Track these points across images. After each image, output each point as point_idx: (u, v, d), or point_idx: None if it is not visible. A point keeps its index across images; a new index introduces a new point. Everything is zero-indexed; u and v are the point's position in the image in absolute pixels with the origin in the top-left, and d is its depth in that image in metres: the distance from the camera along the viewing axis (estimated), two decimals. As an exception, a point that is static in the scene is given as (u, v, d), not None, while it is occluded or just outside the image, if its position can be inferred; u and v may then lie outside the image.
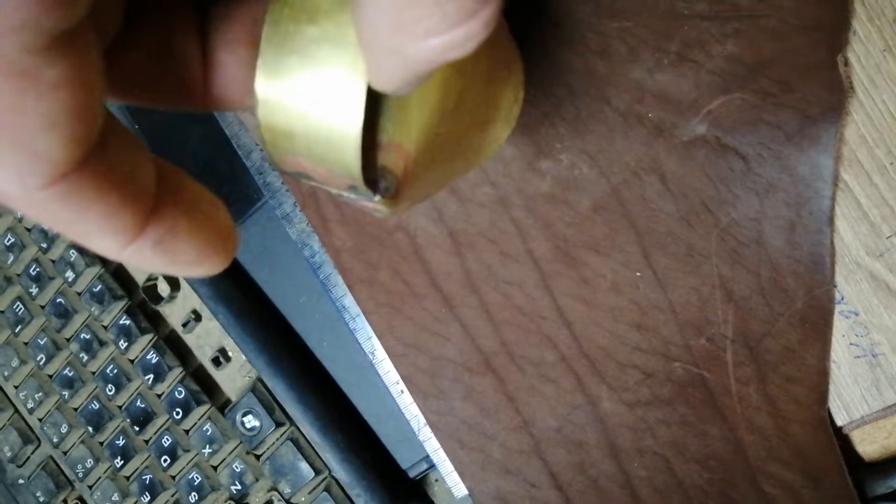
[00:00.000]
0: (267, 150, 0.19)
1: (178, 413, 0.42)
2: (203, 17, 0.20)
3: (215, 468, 0.42)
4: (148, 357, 0.43)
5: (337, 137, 0.18)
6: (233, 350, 0.42)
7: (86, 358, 0.45)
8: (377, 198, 0.20)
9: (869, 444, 0.33)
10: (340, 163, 0.19)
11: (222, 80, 0.20)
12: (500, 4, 0.15)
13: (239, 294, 0.41)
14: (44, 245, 0.46)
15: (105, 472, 0.45)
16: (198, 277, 0.19)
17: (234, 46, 0.20)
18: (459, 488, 0.37)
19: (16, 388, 0.47)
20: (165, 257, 0.18)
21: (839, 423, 0.32)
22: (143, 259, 0.17)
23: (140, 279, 0.45)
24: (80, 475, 0.45)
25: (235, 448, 0.42)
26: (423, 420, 0.37)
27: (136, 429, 0.44)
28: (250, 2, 0.20)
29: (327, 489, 0.40)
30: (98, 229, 0.16)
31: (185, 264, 0.18)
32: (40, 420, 0.47)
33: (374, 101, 0.19)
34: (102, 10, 0.17)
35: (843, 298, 0.31)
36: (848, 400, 0.32)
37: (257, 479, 0.41)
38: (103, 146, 0.16)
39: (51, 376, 0.46)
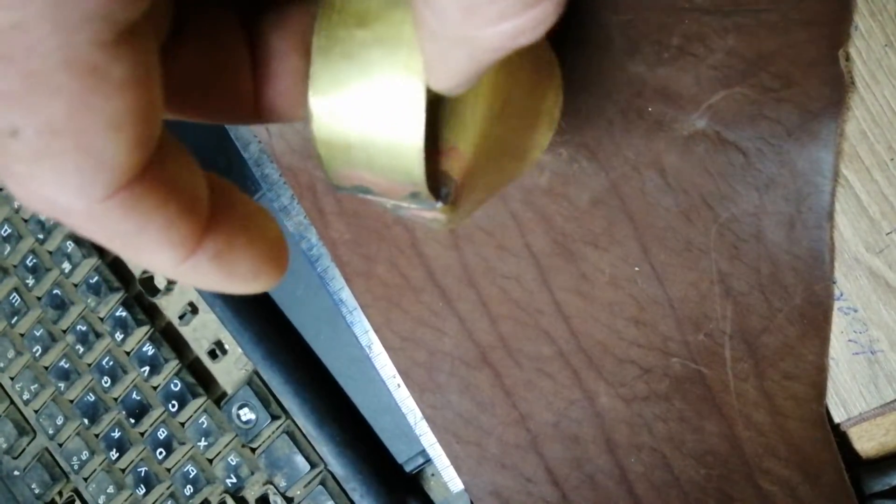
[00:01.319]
0: (323, 165, 0.19)
1: (173, 406, 0.42)
2: (252, 27, 0.20)
3: (211, 461, 0.42)
4: (144, 349, 0.43)
5: (398, 144, 0.18)
6: (229, 343, 0.42)
7: (82, 350, 0.45)
8: (439, 204, 0.20)
9: (867, 442, 0.33)
10: (403, 170, 0.18)
11: (274, 91, 0.20)
12: None
13: (236, 287, 0.41)
14: (40, 236, 0.46)
15: (100, 464, 0.45)
16: (251, 293, 0.18)
17: (286, 56, 0.19)
18: (455, 483, 0.37)
19: (11, 379, 0.47)
20: (223, 271, 0.17)
21: (837, 419, 0.32)
22: (200, 274, 0.17)
23: (137, 271, 0.45)
24: (76, 467, 0.45)
25: (231, 441, 0.42)
26: (419, 414, 0.37)
27: (132, 421, 0.44)
28: (301, 9, 0.20)
29: (323, 483, 0.39)
30: (157, 243, 0.15)
31: (243, 278, 0.17)
32: (36, 412, 0.47)
33: (429, 105, 0.19)
34: (154, 12, 0.17)
35: (842, 295, 0.31)
36: (846, 397, 0.32)
37: (253, 473, 0.41)
38: (160, 153, 0.15)
39: (47, 368, 0.46)
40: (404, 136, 0.17)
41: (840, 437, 0.33)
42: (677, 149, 0.31)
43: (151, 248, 0.16)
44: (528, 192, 0.33)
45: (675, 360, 0.33)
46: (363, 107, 0.17)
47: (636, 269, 0.33)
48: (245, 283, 0.18)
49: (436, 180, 0.20)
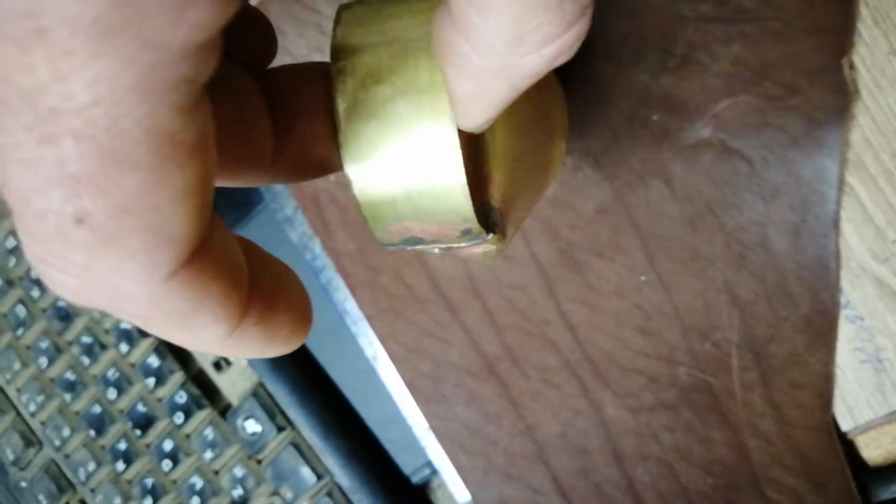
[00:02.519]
0: (370, 225, 0.19)
1: (179, 417, 0.42)
2: (268, 88, 0.19)
3: (217, 473, 0.42)
4: (149, 361, 0.43)
5: (442, 186, 0.18)
6: (234, 354, 0.42)
7: (87, 361, 0.45)
8: (490, 236, 0.20)
9: (874, 450, 0.33)
10: (451, 210, 0.18)
11: (291, 152, 0.19)
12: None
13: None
14: (45, 248, 0.46)
15: (107, 475, 0.45)
16: (281, 354, 0.18)
17: (303, 116, 0.19)
18: (462, 494, 0.37)
19: (18, 391, 0.47)
20: (265, 336, 0.16)
21: (844, 428, 0.32)
22: (247, 343, 0.16)
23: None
24: (82, 479, 0.45)
25: (237, 453, 0.42)
26: (425, 425, 0.37)
27: (138, 433, 0.43)
28: (314, 68, 0.20)
29: (329, 494, 0.39)
30: (212, 317, 0.14)
31: (282, 341, 0.17)
32: (42, 423, 0.47)
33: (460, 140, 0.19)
34: None
35: (848, 303, 0.31)
36: (853, 405, 0.32)
37: (259, 484, 0.41)
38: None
39: (53, 380, 0.46)
40: (446, 178, 0.18)
41: (847, 445, 0.32)
42: (682, 158, 0.31)
43: (205, 324, 0.15)
44: (533, 201, 0.33)
45: (682, 369, 0.33)
46: (400, 161, 0.17)
47: (642, 278, 0.33)
48: (283, 345, 0.17)
49: (481, 213, 0.20)
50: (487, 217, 0.20)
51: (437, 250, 0.21)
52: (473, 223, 0.19)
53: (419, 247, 0.20)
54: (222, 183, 0.19)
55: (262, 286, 0.16)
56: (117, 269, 0.12)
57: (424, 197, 0.18)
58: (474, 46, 0.14)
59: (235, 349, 0.16)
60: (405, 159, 0.17)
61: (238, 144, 0.19)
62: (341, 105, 0.17)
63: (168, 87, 0.11)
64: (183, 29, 0.11)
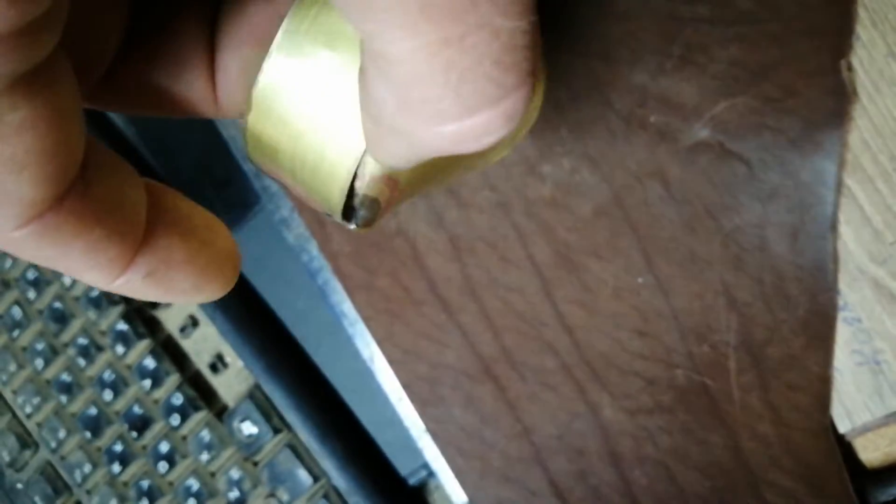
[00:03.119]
0: (248, 150, 0.18)
1: (175, 419, 0.42)
2: (212, 19, 0.19)
3: (213, 475, 0.42)
4: (145, 363, 0.43)
5: (326, 171, 0.17)
6: (230, 356, 0.42)
7: (83, 363, 0.44)
8: (352, 226, 0.19)
9: (871, 452, 0.33)
10: (323, 193, 0.18)
11: (229, 84, 0.19)
12: (529, 94, 0.13)
13: (236, 299, 0.41)
14: (41, 249, 0.46)
15: (103, 477, 0.45)
16: (196, 304, 0.18)
17: (241, 46, 0.19)
18: (459, 496, 0.37)
19: (14, 392, 0.47)
20: (159, 288, 0.17)
21: (841, 430, 0.32)
22: (134, 291, 0.17)
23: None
24: (78, 480, 0.45)
25: (233, 455, 0.42)
26: (422, 427, 0.37)
27: (134, 434, 0.43)
28: (264, 5, 0.19)
29: (326, 496, 0.39)
30: (81, 265, 0.16)
31: (181, 293, 0.17)
32: (38, 425, 0.46)
33: None
34: (98, 28, 0.16)
35: (846, 305, 0.31)
36: (850, 407, 0.32)
37: (255, 486, 0.41)
38: (85, 179, 0.15)
39: (48, 381, 0.46)
40: (333, 169, 0.17)
41: (845, 447, 0.32)
42: (680, 159, 0.31)
43: (78, 269, 0.16)
44: (531, 203, 0.33)
45: (679, 371, 0.33)
46: (302, 126, 0.17)
47: (639, 280, 0.33)
48: (185, 297, 0.18)
49: (360, 202, 0.19)
50: (359, 209, 0.19)
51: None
52: (336, 214, 0.18)
53: (284, 188, 0.19)
54: (164, 115, 0.20)
55: (164, 237, 0.16)
56: None
57: (306, 168, 0.17)
58: (371, 91, 0.14)
59: (125, 293, 0.17)
60: (308, 126, 0.17)
61: (175, 80, 0.19)
62: (283, 40, 0.16)
63: None
64: None
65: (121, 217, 0.16)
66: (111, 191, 0.16)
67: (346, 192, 0.17)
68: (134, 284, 0.16)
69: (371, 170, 0.18)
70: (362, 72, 0.14)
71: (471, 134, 0.13)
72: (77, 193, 0.15)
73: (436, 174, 0.20)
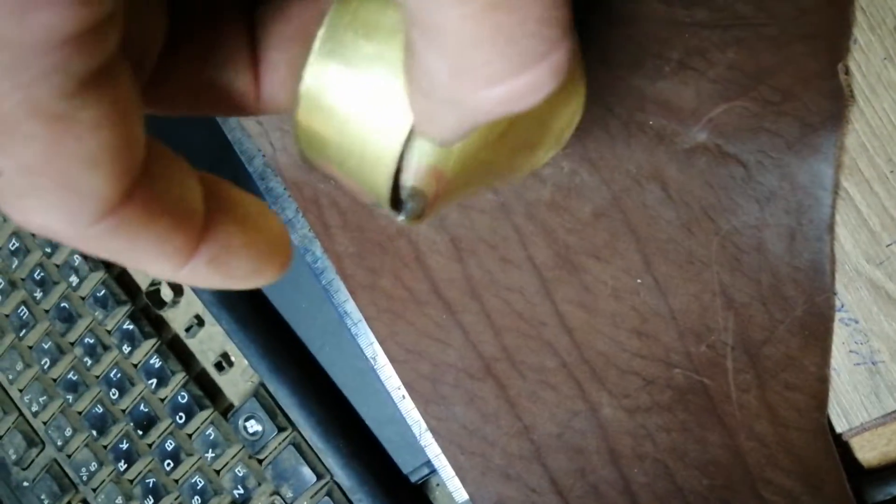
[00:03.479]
0: (299, 149, 0.19)
1: (181, 417, 0.42)
2: (253, 18, 0.20)
3: (218, 472, 0.42)
4: (151, 362, 0.43)
5: (371, 159, 0.18)
6: (235, 355, 0.43)
7: (90, 362, 0.45)
8: (401, 217, 0.19)
9: (868, 451, 0.33)
10: (370, 183, 0.18)
11: (274, 81, 0.20)
12: (574, 49, 0.14)
13: (241, 299, 0.41)
14: (48, 250, 0.46)
15: (109, 475, 0.45)
16: (255, 288, 0.19)
17: (286, 44, 0.19)
18: (460, 493, 0.37)
19: (20, 391, 0.47)
20: (221, 273, 0.17)
21: (839, 430, 0.32)
22: (199, 278, 0.17)
23: (143, 284, 0.45)
24: (84, 478, 0.46)
25: (238, 452, 0.42)
26: (424, 425, 0.37)
27: (140, 433, 0.44)
28: (307, 2, 0.20)
29: (329, 494, 0.40)
30: (151, 255, 0.16)
31: (242, 278, 0.18)
32: (45, 423, 0.47)
33: None
34: (142, 32, 0.17)
35: (843, 306, 0.31)
36: (847, 407, 0.32)
37: (259, 484, 0.41)
38: (148, 173, 0.16)
39: (55, 380, 0.46)
40: (379, 156, 0.17)
41: (842, 447, 0.33)
42: (678, 162, 0.32)
43: (147, 260, 0.16)
44: (531, 205, 0.34)
45: (678, 371, 0.33)
46: (348, 113, 0.17)
47: (638, 281, 0.33)
48: (245, 281, 0.18)
49: (404, 194, 0.19)
50: (408, 202, 0.19)
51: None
52: (385, 203, 0.18)
53: (337, 185, 0.20)
54: (209, 114, 0.20)
55: (222, 224, 0.17)
56: (42, 214, 0.14)
57: (353, 157, 0.18)
58: (422, 70, 0.14)
59: (191, 281, 0.17)
60: (353, 115, 0.17)
61: (217, 80, 0.19)
62: (325, 35, 0.17)
63: (37, 79, 0.13)
64: (28, 31, 0.12)
65: (183, 208, 0.16)
66: (171, 182, 0.16)
67: (391, 178, 0.18)
68: (199, 272, 0.17)
69: (417, 161, 0.18)
70: (409, 49, 0.14)
71: (522, 91, 0.13)
72: (142, 187, 0.15)
73: (481, 171, 0.21)
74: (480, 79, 0.13)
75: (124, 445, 0.44)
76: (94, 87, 0.14)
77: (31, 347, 0.47)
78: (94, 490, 0.46)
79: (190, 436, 0.43)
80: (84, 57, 0.13)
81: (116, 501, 0.45)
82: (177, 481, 0.43)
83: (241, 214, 0.18)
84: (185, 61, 0.19)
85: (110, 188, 0.15)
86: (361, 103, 0.17)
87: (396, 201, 0.19)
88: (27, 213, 0.14)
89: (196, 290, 0.42)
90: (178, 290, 0.44)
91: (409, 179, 0.19)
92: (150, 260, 0.16)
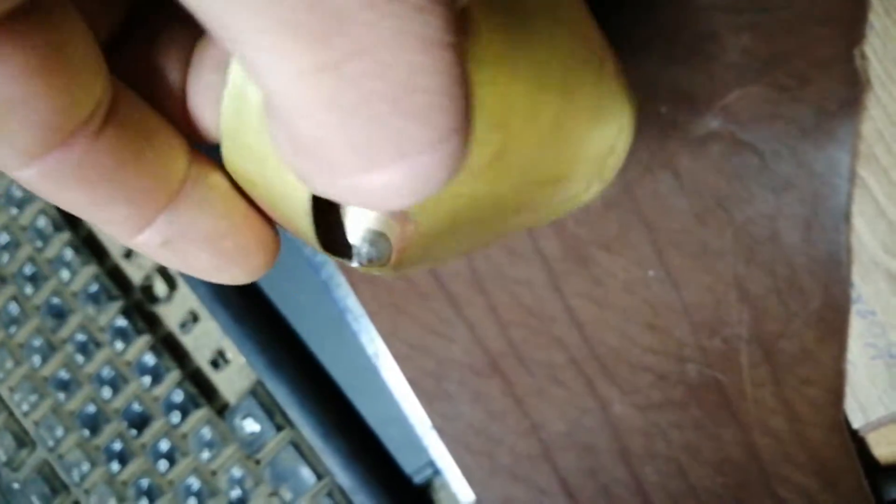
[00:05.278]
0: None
1: (175, 416, 0.42)
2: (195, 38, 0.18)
3: (214, 473, 0.42)
4: (145, 359, 0.42)
5: (290, 197, 0.16)
6: (232, 352, 0.42)
7: (82, 360, 0.44)
8: (354, 264, 0.17)
9: (885, 447, 0.32)
10: (295, 223, 0.16)
11: (195, 111, 0.18)
12: (456, 150, 0.10)
13: (238, 294, 0.40)
14: (39, 244, 0.45)
15: (101, 476, 0.44)
16: (223, 283, 0.18)
17: (204, 72, 0.17)
18: (465, 494, 0.37)
19: (10, 390, 0.47)
20: (177, 258, 0.16)
21: (855, 425, 0.32)
22: (154, 254, 0.16)
23: (137, 279, 0.44)
24: (76, 480, 0.45)
25: (235, 452, 0.41)
26: (428, 424, 0.36)
27: (134, 432, 0.43)
28: None
29: (329, 495, 0.39)
30: (102, 211, 0.15)
31: (201, 270, 0.17)
32: (35, 423, 0.46)
33: None
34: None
35: (859, 298, 0.31)
36: (864, 402, 0.31)
37: (257, 485, 0.41)
38: (115, 125, 0.15)
39: (46, 378, 0.46)
40: (296, 194, 0.16)
41: (858, 442, 0.32)
42: (691, 150, 0.31)
43: (96, 215, 0.15)
44: (538, 195, 0.33)
45: (691, 366, 0.32)
46: (265, 151, 0.15)
47: (650, 273, 0.32)
48: (205, 275, 0.17)
49: (362, 238, 0.17)
50: (363, 247, 0.17)
51: None
52: (315, 245, 0.17)
53: None
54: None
55: (188, 210, 0.16)
56: None
57: (275, 193, 0.16)
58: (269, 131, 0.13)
59: (150, 255, 0.16)
60: (269, 160, 0.15)
61: (153, 96, 0.18)
62: (239, 77, 0.16)
63: None
64: None
65: (149, 174, 0.15)
66: (141, 145, 0.15)
67: (310, 216, 0.16)
68: (151, 248, 0.16)
69: None
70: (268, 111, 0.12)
71: (372, 193, 0.11)
72: (107, 137, 0.14)
73: (480, 208, 0.18)
74: (321, 164, 0.11)
75: (117, 445, 0.43)
76: (8, 30, 0.12)
77: (21, 345, 0.46)
78: (87, 492, 0.45)
79: (185, 435, 0.42)
80: None
81: (109, 503, 0.44)
82: (171, 482, 0.43)
83: (221, 209, 0.17)
84: (127, 63, 0.17)
85: (35, 135, 0.14)
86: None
87: (342, 245, 0.17)
88: None
89: (191, 285, 0.42)
90: (172, 284, 0.43)
91: (364, 222, 0.17)
92: (99, 216, 0.15)
